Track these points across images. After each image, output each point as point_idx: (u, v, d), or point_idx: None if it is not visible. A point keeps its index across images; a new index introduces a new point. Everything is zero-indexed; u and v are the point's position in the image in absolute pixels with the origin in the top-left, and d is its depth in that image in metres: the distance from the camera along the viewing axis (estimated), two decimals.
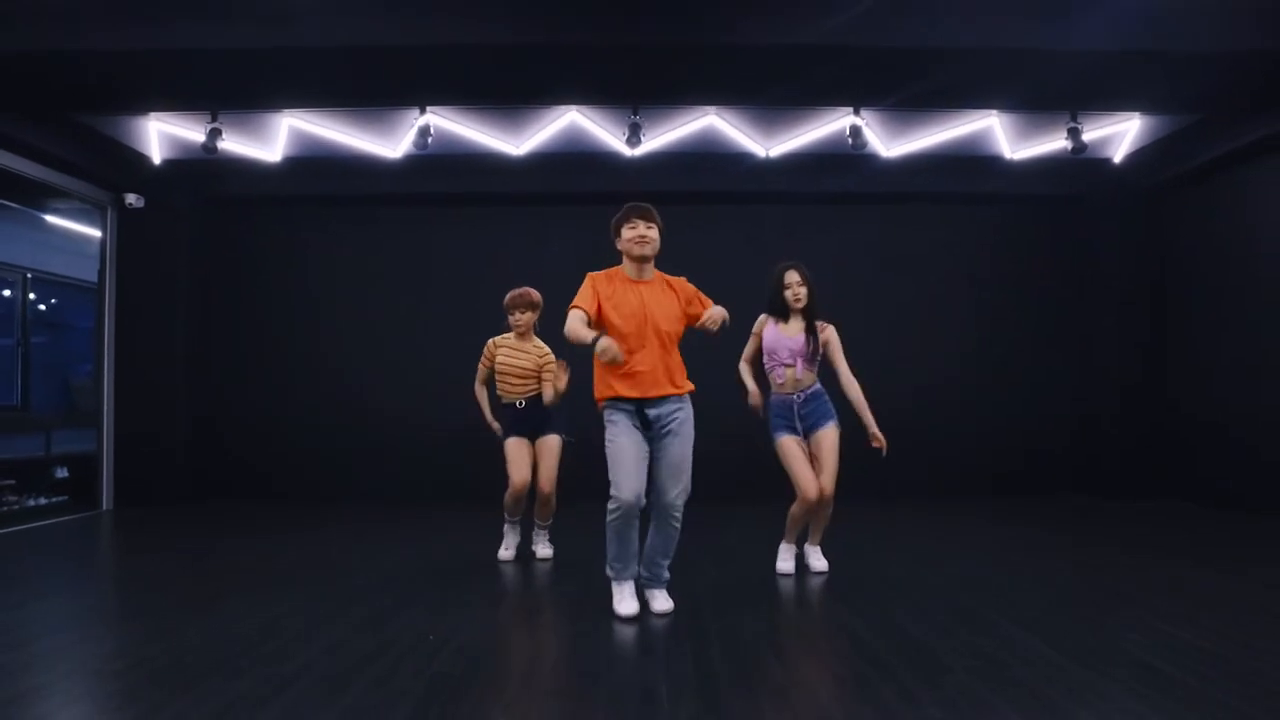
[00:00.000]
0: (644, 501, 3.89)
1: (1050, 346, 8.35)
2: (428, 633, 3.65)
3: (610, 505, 3.91)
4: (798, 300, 4.72)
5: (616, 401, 3.96)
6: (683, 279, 4.13)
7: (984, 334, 8.30)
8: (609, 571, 4.05)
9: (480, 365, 5.28)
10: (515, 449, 5.12)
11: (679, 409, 3.96)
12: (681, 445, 3.94)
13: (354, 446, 8.18)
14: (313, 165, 7.69)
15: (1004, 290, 8.34)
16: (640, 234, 3.95)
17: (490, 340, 5.27)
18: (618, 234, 4.01)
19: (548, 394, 5.03)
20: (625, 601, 3.98)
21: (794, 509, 4.80)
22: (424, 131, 6.57)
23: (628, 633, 3.72)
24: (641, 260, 4.00)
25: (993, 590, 4.42)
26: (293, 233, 8.37)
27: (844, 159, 7.56)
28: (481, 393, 5.34)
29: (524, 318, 5.15)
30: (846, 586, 4.54)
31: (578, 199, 7.92)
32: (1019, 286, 8.35)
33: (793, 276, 4.74)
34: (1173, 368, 7.90)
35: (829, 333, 4.78)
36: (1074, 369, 8.32)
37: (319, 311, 8.32)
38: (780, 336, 4.77)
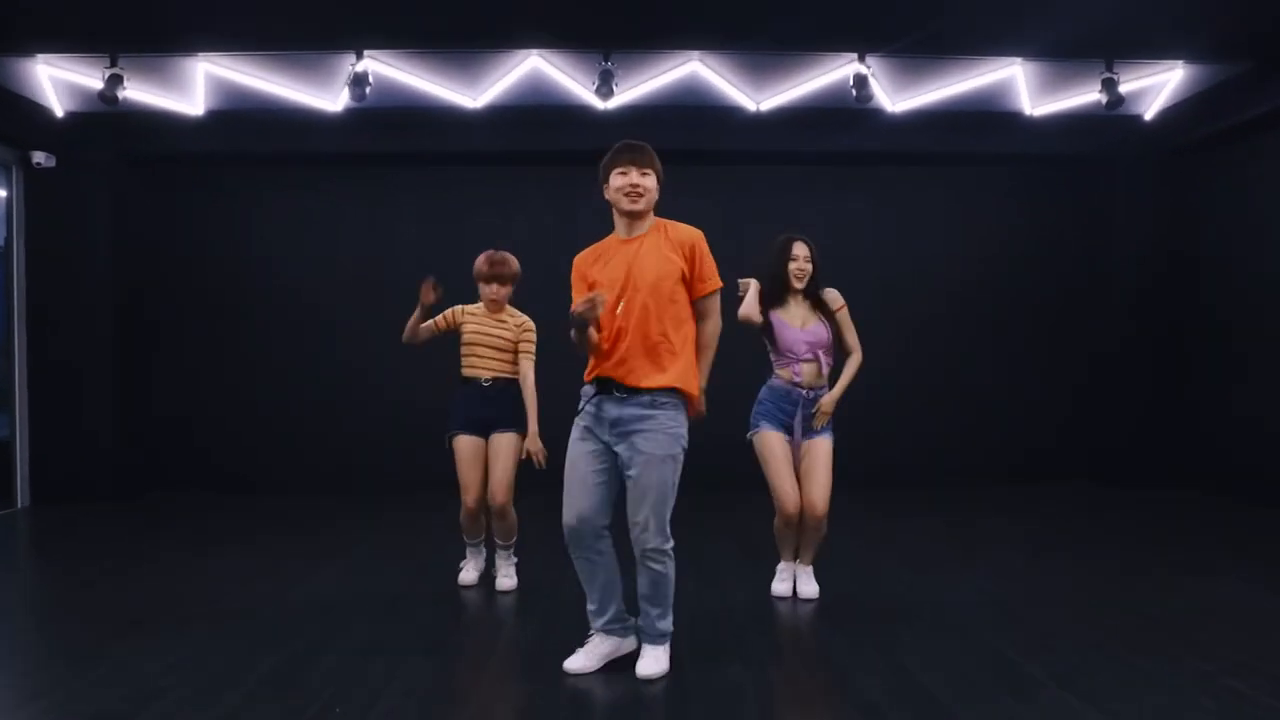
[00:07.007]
0: (599, 526, 3.17)
1: (1066, 321, 7.61)
2: (334, 706, 2.93)
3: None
4: (800, 278, 4.04)
5: (587, 387, 3.23)
6: (695, 232, 3.21)
7: (994, 307, 7.54)
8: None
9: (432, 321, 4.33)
10: (466, 455, 4.29)
11: (649, 411, 3.08)
12: (644, 463, 3.06)
13: (302, 431, 7.37)
14: (240, 120, 6.76)
15: (1017, 260, 7.55)
16: (632, 183, 3.10)
17: (458, 306, 4.37)
18: (606, 181, 3.18)
19: (526, 373, 4.24)
20: (578, 654, 3.25)
21: (777, 524, 4.19)
22: (360, 80, 5.65)
23: (590, 693, 3.08)
24: (632, 216, 3.15)
25: (1018, 620, 3.80)
26: (223, 195, 7.44)
27: (844, 114, 6.71)
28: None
29: (501, 292, 4.29)
30: (846, 615, 3.92)
31: (543, 159, 7.05)
32: (1033, 256, 7.57)
33: (801, 249, 4.05)
34: (1199, 346, 7.16)
35: (836, 297, 4.14)
36: (1091, 346, 7.59)
37: (259, 280, 7.42)
38: (793, 329, 4.05)
